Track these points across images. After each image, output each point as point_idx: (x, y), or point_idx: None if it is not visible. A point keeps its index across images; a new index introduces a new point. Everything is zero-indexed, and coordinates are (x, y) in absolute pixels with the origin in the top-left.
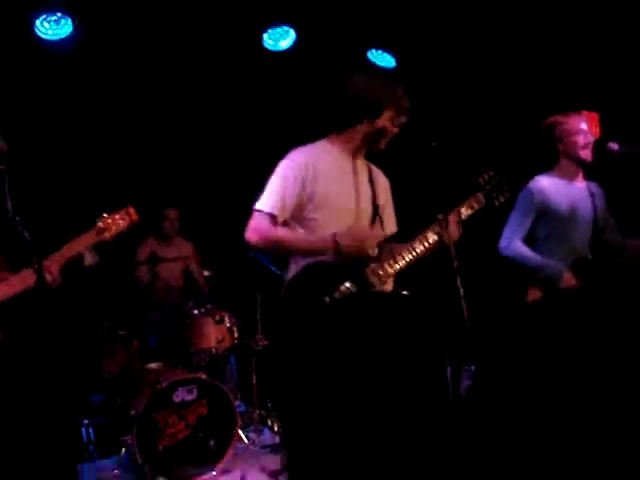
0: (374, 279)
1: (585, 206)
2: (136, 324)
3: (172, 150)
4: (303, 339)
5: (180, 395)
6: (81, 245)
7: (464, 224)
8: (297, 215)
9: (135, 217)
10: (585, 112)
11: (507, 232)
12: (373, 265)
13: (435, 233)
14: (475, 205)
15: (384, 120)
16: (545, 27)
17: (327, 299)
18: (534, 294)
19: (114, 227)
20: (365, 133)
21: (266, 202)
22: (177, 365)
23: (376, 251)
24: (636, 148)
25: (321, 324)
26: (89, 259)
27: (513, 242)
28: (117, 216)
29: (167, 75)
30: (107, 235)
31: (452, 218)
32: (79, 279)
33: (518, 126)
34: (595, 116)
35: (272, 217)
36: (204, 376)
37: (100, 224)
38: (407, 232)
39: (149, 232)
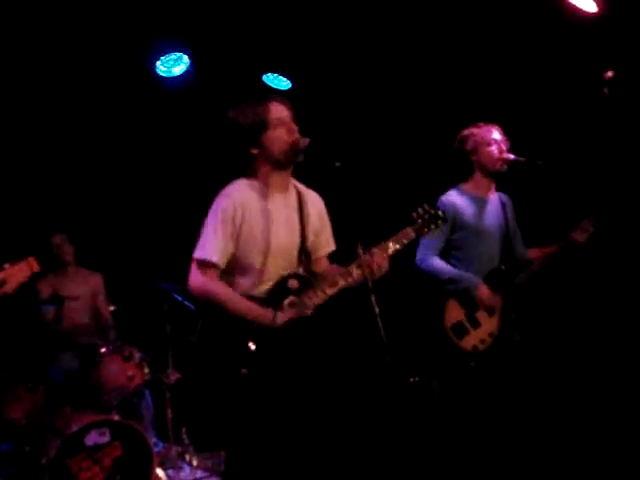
0: (293, 310)
1: (497, 218)
2: (42, 366)
3: (66, 177)
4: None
5: (92, 438)
6: None
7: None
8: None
9: (36, 268)
10: (481, 124)
11: (422, 247)
12: (292, 298)
13: (358, 267)
14: (404, 240)
15: (270, 141)
16: (441, 43)
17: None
18: (453, 306)
19: (14, 279)
20: (268, 162)
21: (206, 250)
22: (87, 407)
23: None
24: (529, 158)
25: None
26: None
27: (428, 256)
28: (17, 267)
29: (58, 102)
30: (7, 287)
31: (379, 252)
32: None
33: (427, 139)
34: (495, 127)
35: (213, 265)
36: (116, 417)
37: (1, 275)
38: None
39: (47, 270)
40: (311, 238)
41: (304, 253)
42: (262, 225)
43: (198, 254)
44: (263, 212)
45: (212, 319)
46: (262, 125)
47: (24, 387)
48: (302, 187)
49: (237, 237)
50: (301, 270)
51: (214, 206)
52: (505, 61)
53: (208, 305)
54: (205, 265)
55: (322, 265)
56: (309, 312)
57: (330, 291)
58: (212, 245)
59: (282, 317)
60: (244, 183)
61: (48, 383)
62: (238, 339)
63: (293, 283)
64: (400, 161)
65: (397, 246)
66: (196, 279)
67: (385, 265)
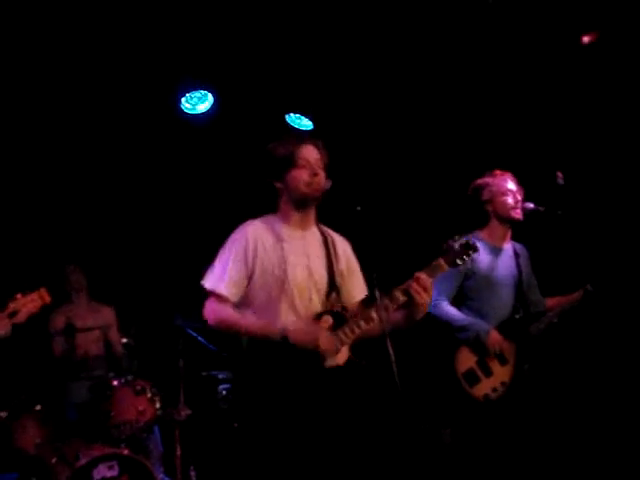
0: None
1: (510, 268)
2: (53, 397)
3: (86, 209)
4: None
5: (101, 472)
6: None
7: None
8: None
9: (48, 299)
10: (497, 171)
11: (435, 291)
12: (327, 334)
13: (390, 300)
14: (437, 271)
15: (292, 179)
16: (460, 89)
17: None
18: (465, 353)
19: (26, 309)
20: (289, 198)
21: (217, 283)
22: (97, 439)
23: (328, 345)
24: (550, 207)
25: (276, 401)
26: (1, 331)
27: (440, 302)
28: (29, 298)
29: (82, 133)
30: (19, 317)
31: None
32: None
33: (443, 186)
34: (508, 175)
35: (224, 297)
36: (125, 451)
37: (12, 305)
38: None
39: (60, 301)
40: (339, 280)
41: (334, 291)
42: (276, 259)
43: (208, 285)
44: (277, 246)
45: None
46: (289, 162)
47: (36, 417)
48: (329, 230)
49: (251, 270)
50: (333, 307)
51: (230, 237)
52: (522, 108)
53: (226, 332)
54: (216, 295)
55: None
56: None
57: (365, 325)
58: (221, 277)
59: (297, 333)
60: (260, 219)
61: (59, 413)
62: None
63: (327, 319)
64: (418, 205)
65: (430, 279)
66: (208, 310)
67: (430, 289)
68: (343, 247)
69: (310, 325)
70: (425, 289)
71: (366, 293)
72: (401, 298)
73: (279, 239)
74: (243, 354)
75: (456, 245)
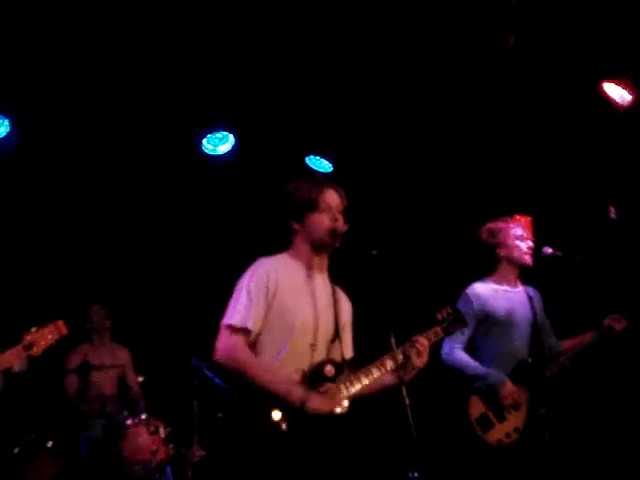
0: (328, 399)
1: (524, 310)
2: (66, 434)
3: (104, 250)
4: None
5: None
6: (8, 361)
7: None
8: None
9: (64, 331)
10: (517, 216)
11: (448, 340)
12: (328, 385)
13: (391, 359)
14: (433, 338)
15: (313, 223)
16: (467, 133)
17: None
18: (476, 403)
19: (42, 342)
20: (306, 241)
21: (237, 316)
22: (109, 479)
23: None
24: (568, 252)
25: (271, 447)
26: (18, 366)
27: (454, 350)
28: (46, 330)
29: (108, 176)
30: (35, 350)
31: (413, 348)
32: (6, 387)
33: (454, 231)
34: (528, 219)
35: (245, 331)
36: None
37: (28, 338)
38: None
39: (80, 340)
40: (340, 331)
41: (337, 341)
42: (300, 302)
43: (232, 320)
44: (303, 289)
45: (246, 394)
46: (311, 205)
47: (47, 454)
48: (334, 284)
49: (268, 307)
50: (336, 357)
51: (248, 272)
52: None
53: (234, 373)
54: (236, 332)
55: None
56: (343, 405)
57: (366, 380)
58: (246, 311)
59: (314, 401)
60: (283, 256)
61: (71, 451)
62: (270, 418)
63: (330, 370)
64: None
65: (427, 343)
66: (225, 345)
67: (425, 356)
68: (346, 303)
69: (329, 397)
70: (425, 352)
71: (352, 354)
72: (400, 358)
73: (307, 279)
74: (240, 393)
75: (450, 317)
